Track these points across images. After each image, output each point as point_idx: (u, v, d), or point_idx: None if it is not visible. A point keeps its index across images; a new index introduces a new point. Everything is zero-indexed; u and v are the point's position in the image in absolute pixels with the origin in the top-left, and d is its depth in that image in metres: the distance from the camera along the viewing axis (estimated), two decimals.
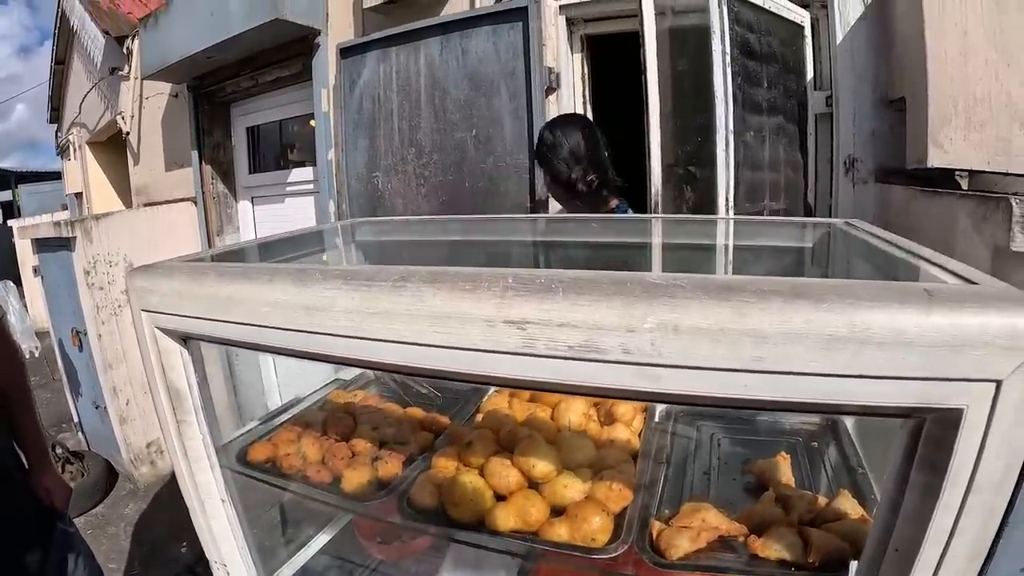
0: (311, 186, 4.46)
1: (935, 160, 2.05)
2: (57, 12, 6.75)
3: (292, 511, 1.43)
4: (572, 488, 1.03)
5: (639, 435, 1.24)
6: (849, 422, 1.24)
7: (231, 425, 1.42)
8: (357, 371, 1.74)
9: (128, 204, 6.67)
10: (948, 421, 0.47)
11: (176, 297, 0.84)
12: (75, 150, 7.57)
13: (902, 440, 0.51)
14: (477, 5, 3.23)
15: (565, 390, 0.56)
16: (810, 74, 2.67)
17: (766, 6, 2.42)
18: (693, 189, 2.26)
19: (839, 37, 2.55)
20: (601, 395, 0.55)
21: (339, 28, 3.83)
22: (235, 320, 0.76)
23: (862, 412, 0.50)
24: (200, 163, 4.90)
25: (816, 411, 0.51)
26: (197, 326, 0.83)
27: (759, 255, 1.27)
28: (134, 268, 0.92)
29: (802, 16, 2.62)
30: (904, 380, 0.45)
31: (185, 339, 0.90)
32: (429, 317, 0.58)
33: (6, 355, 1.79)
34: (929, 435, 0.49)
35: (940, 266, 0.65)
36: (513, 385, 0.61)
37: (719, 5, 2.15)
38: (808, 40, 2.66)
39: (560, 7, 3.01)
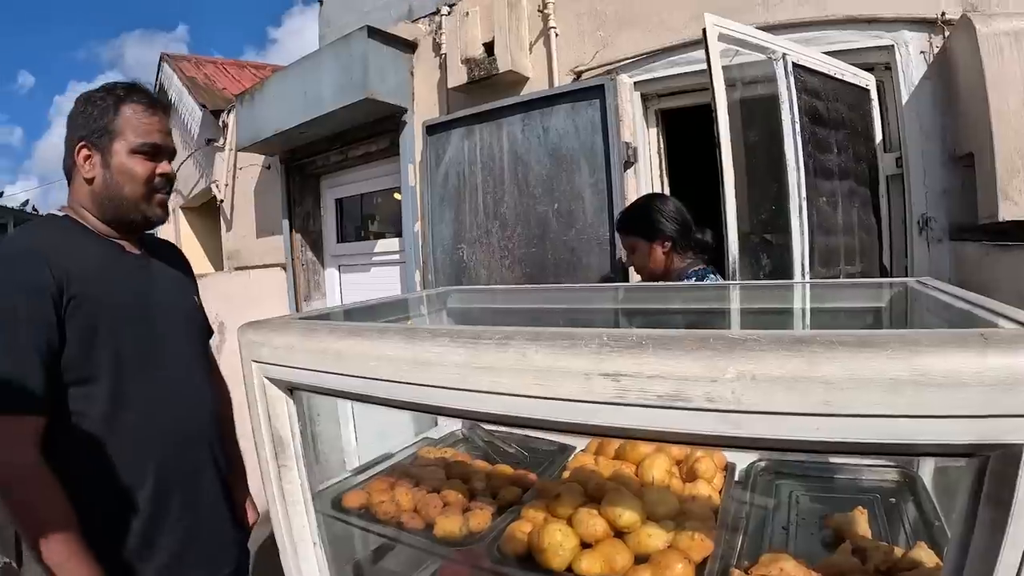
0: (397, 256, 4.61)
1: (1006, 213, 2.06)
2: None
3: (378, 558, 1.48)
4: (656, 537, 1.07)
5: (719, 492, 1.27)
6: (927, 477, 1.25)
7: (315, 476, 1.50)
8: (446, 430, 1.83)
9: (218, 267, 6.95)
10: (1009, 457, 0.50)
11: (287, 350, 0.91)
12: (169, 214, 7.95)
13: (969, 478, 0.55)
14: (556, 84, 3.38)
15: (654, 437, 0.60)
16: (879, 136, 2.71)
17: (831, 73, 2.48)
18: (769, 256, 2.31)
19: (904, 98, 2.59)
20: (687, 442, 0.60)
21: (425, 106, 4.03)
22: (345, 372, 0.82)
23: (928, 452, 0.54)
24: (290, 231, 5.14)
25: (884, 452, 0.54)
26: (306, 377, 0.90)
27: (832, 315, 1.31)
28: (245, 323, 0.99)
29: (867, 80, 2.67)
30: (964, 419, 0.49)
31: (291, 390, 0.97)
32: (532, 371, 0.64)
33: (218, 378, 1.97)
34: (993, 472, 0.52)
35: (1001, 314, 0.69)
36: (607, 433, 0.64)
37: (786, 75, 2.22)
38: (875, 103, 2.71)
39: (635, 84, 3.17)
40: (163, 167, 1.71)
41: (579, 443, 1.62)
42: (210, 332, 1.96)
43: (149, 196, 1.69)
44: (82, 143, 1.64)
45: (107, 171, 1.64)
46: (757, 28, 2.50)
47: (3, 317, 1.41)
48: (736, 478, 1.35)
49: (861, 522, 1.09)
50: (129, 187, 1.65)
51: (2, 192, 17.97)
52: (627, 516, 1.10)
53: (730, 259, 2.19)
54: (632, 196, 3.01)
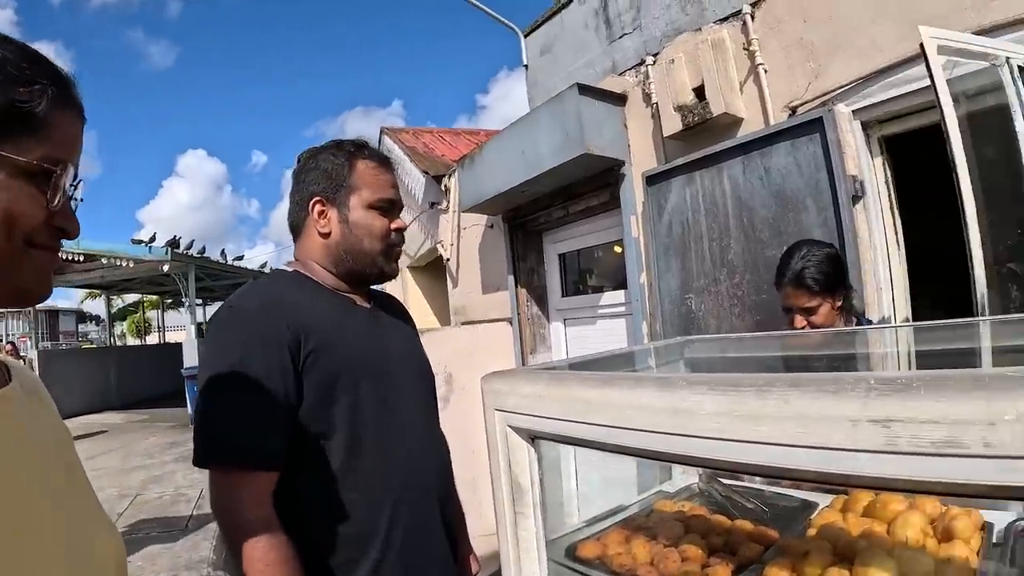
0: (622, 308, 4.61)
1: None
2: None
3: None
4: None
5: (977, 554, 1.16)
6: None
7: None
8: (681, 483, 1.79)
9: (444, 322, 7.34)
10: None
11: (534, 399, 0.93)
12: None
13: None
14: (771, 121, 3.28)
15: (926, 489, 0.57)
16: None
17: None
18: (1019, 288, 2.07)
19: None
20: (961, 493, 0.55)
21: (641, 157, 4.04)
22: (594, 422, 0.82)
23: None
24: (515, 287, 5.32)
25: None
26: (551, 426, 0.90)
27: None
28: (490, 373, 1.02)
29: None
30: None
31: (533, 438, 0.98)
32: (795, 418, 0.61)
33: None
34: None
35: None
36: (875, 485, 0.61)
37: (1012, 80, 2.02)
38: None
39: (853, 112, 2.98)
40: (398, 222, 1.74)
41: (823, 500, 1.54)
42: (434, 381, 1.92)
43: (387, 251, 1.71)
44: (316, 198, 1.67)
45: (345, 225, 1.66)
46: (971, 33, 2.31)
47: (243, 372, 1.42)
48: (994, 539, 1.22)
49: None
50: (368, 241, 1.67)
51: (243, 256, 20.14)
52: None
53: (978, 294, 2.02)
54: (864, 233, 2.87)
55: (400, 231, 1.75)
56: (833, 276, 2.22)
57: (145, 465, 9.62)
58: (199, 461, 1.43)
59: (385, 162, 1.76)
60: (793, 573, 1.15)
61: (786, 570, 1.16)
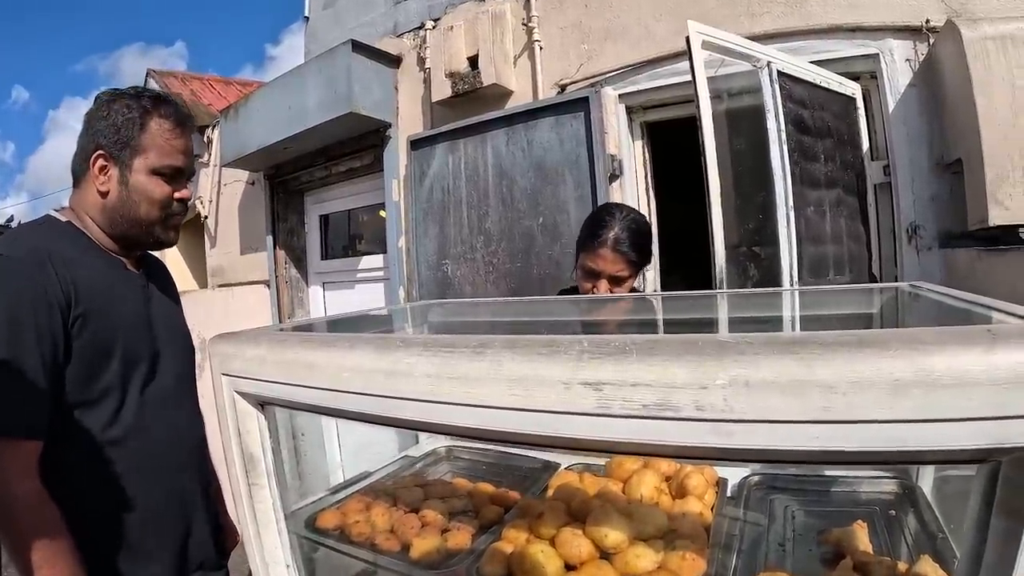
0: (381, 273, 4.61)
1: (996, 219, 2.05)
2: None
3: None
4: (644, 558, 1.02)
5: (711, 509, 1.22)
6: (927, 487, 1.21)
7: (296, 495, 1.46)
8: (427, 447, 1.78)
9: (202, 284, 6.90)
10: (1022, 462, 0.46)
11: (258, 363, 0.87)
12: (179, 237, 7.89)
13: (979, 486, 0.51)
14: (540, 97, 3.40)
15: (640, 451, 0.56)
16: (866, 145, 2.70)
17: (816, 81, 2.47)
18: (757, 267, 2.28)
19: (891, 106, 2.58)
20: (675, 455, 0.55)
21: (409, 121, 4.05)
22: (316, 385, 0.79)
23: (937, 460, 0.50)
24: (274, 248, 5.14)
25: (886, 461, 0.50)
26: (277, 391, 0.86)
27: (824, 321, 1.27)
28: (216, 336, 0.95)
29: (852, 88, 2.67)
30: (974, 421, 0.45)
31: (263, 404, 0.93)
32: (507, 380, 0.60)
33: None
34: (1005, 478, 0.48)
35: (1002, 311, 0.66)
36: (588, 448, 0.60)
37: (771, 83, 2.21)
38: (861, 111, 2.70)
39: (619, 96, 3.19)
40: (182, 192, 1.65)
41: (564, 460, 1.57)
42: (194, 352, 1.88)
43: (165, 220, 1.63)
44: (100, 152, 1.56)
45: (123, 188, 1.57)
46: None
47: (10, 330, 1.32)
48: (728, 494, 1.30)
49: (861, 537, 1.05)
50: (145, 208, 1.58)
51: None
52: (613, 536, 1.05)
53: (717, 269, 2.16)
54: None
55: (183, 201, 1.67)
56: (648, 248, 2.04)
57: None
58: None
59: (182, 124, 1.64)
60: (530, 533, 1.15)
61: (523, 531, 1.16)
